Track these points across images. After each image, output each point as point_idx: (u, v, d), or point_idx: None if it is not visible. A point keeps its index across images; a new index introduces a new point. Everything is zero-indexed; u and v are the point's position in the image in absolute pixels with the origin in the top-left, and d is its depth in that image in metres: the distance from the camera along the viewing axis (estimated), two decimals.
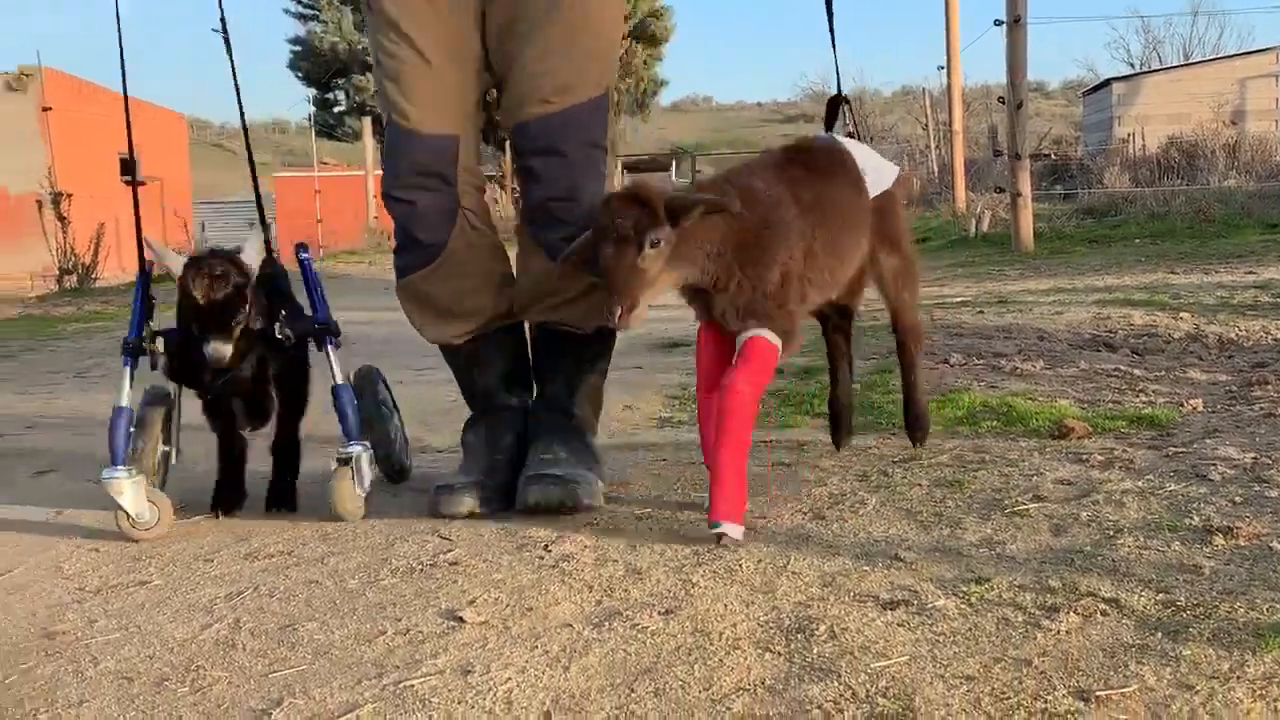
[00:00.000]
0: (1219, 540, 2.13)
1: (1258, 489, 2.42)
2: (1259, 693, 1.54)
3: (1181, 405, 3.29)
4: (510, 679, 1.73)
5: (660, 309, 2.46)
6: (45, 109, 16.35)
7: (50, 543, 2.62)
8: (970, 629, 1.82)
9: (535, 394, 2.79)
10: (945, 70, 16.29)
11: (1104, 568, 2.03)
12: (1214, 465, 2.60)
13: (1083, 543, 2.17)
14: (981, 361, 4.24)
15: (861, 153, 2.66)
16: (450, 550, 2.38)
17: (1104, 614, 1.83)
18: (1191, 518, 2.26)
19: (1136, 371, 3.90)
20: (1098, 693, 1.56)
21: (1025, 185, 9.14)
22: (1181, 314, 5.18)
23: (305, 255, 2.87)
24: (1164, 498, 2.40)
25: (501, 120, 2.69)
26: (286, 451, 2.76)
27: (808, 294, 2.44)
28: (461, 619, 1.99)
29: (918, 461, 2.81)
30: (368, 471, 2.61)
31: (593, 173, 2.60)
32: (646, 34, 30.58)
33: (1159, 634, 1.74)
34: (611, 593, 2.06)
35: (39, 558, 2.54)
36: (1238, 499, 2.36)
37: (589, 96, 2.59)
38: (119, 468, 2.52)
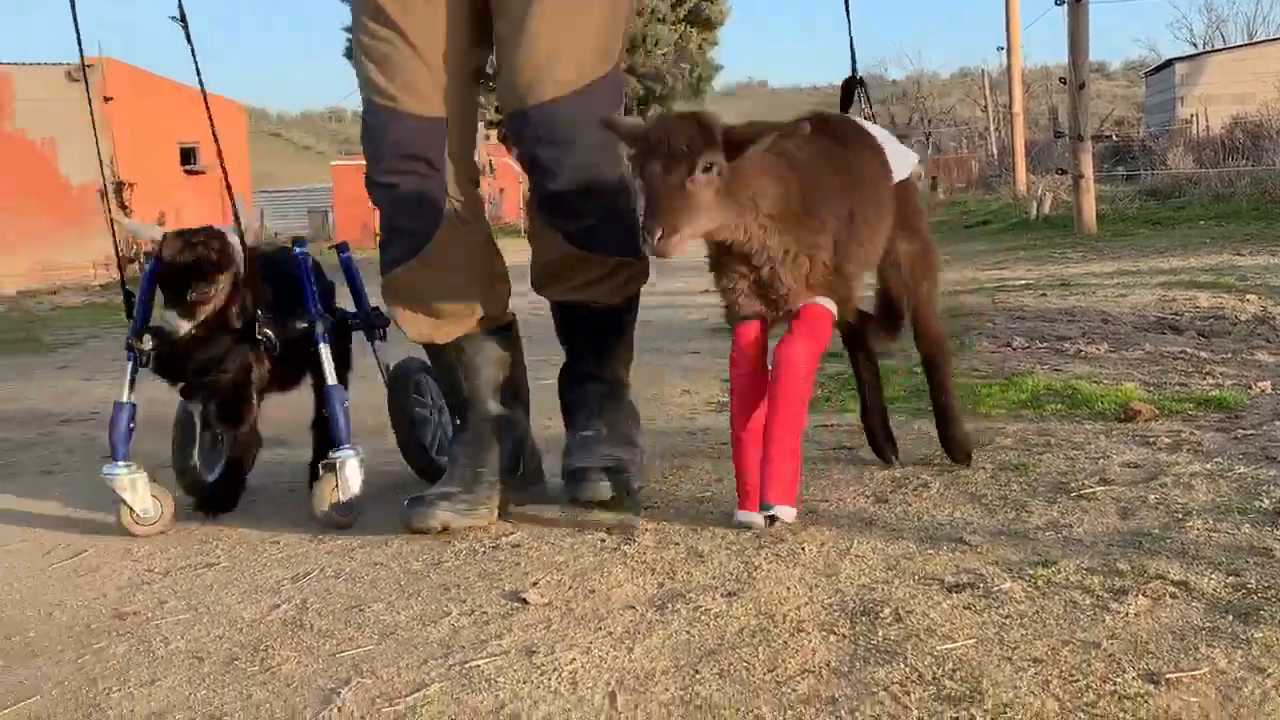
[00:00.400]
0: None
1: None
2: None
3: (1249, 388, 3.25)
4: (575, 659, 1.74)
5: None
6: (106, 99, 16.60)
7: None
8: (1037, 612, 1.81)
9: (565, 361, 2.64)
10: (1005, 51, 16.16)
11: (1172, 550, 2.01)
12: None
13: (1150, 526, 2.14)
14: (1044, 345, 4.20)
15: (881, 133, 2.53)
16: (512, 533, 2.40)
17: (1173, 597, 1.81)
18: (1261, 500, 2.23)
19: (1203, 354, 3.85)
20: (1167, 675, 1.55)
21: (1087, 167, 9.03)
22: (1248, 296, 5.10)
23: (346, 254, 2.90)
24: (1233, 480, 2.37)
25: (500, 106, 2.49)
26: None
27: (856, 259, 2.32)
28: (525, 600, 2.00)
29: (981, 446, 2.78)
30: (353, 478, 2.51)
31: (608, 158, 2.41)
32: (701, 18, 30.49)
33: (1229, 617, 1.71)
34: (674, 575, 2.07)
35: (108, 541, 2.58)
36: None
37: (596, 77, 2.38)
38: (119, 464, 2.52)
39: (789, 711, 1.55)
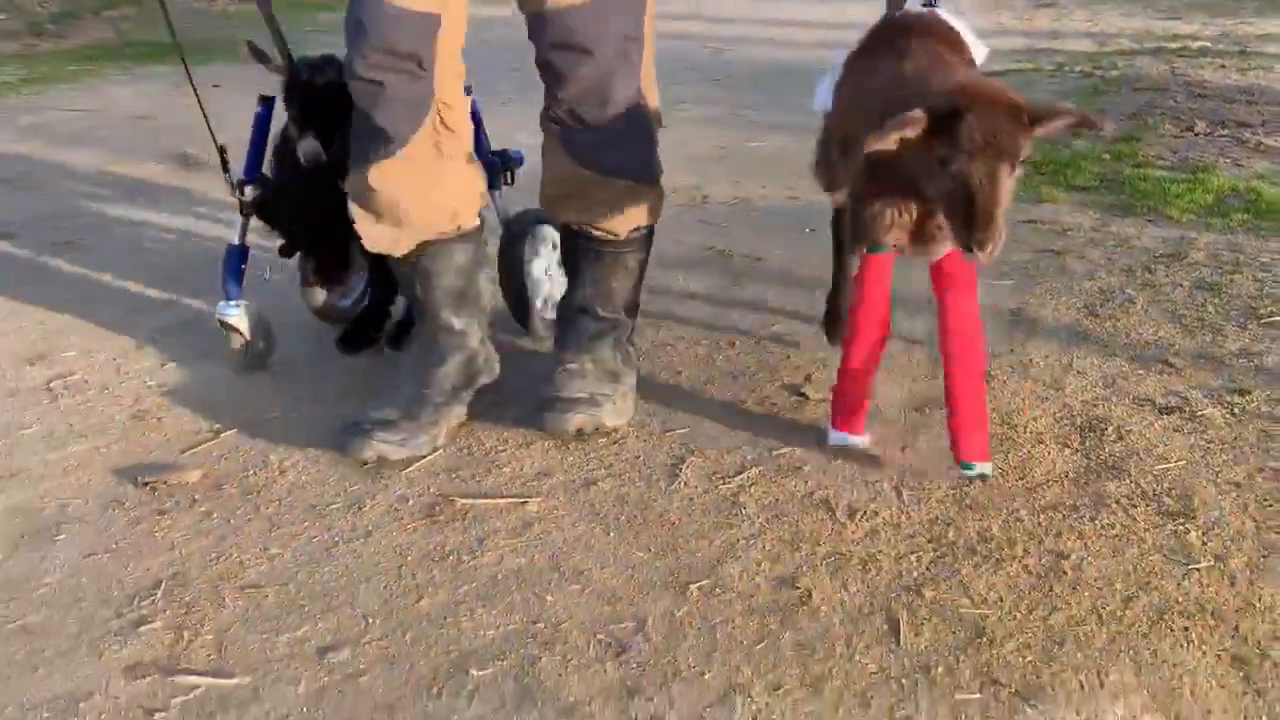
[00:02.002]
0: None
1: None
2: None
3: None
4: (861, 453, 2.23)
5: None
6: None
7: None
8: (1235, 438, 2.24)
9: (570, 291, 2.49)
10: None
11: None
12: None
13: None
14: (1225, 133, 4.45)
15: (963, 27, 2.27)
16: (774, 325, 2.85)
17: None
18: None
19: None
20: None
21: None
22: None
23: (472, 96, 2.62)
24: None
25: (520, 3, 2.29)
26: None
27: None
28: (804, 395, 2.48)
29: (1177, 259, 3.15)
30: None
31: (625, 70, 2.26)
32: None
33: None
34: (932, 377, 2.51)
35: None
36: None
37: None
38: (232, 303, 2.60)
39: (1041, 515, 2.03)
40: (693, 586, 1.87)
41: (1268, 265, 3.09)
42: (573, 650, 1.73)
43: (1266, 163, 4.03)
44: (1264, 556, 1.89)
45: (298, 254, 2.76)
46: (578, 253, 2.44)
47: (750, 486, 2.15)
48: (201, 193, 4.16)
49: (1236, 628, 1.74)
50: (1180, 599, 1.80)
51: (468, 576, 1.91)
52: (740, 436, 2.33)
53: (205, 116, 2.61)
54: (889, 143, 1.81)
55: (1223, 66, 5.71)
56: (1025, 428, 2.30)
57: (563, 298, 2.50)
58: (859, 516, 2.04)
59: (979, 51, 2.24)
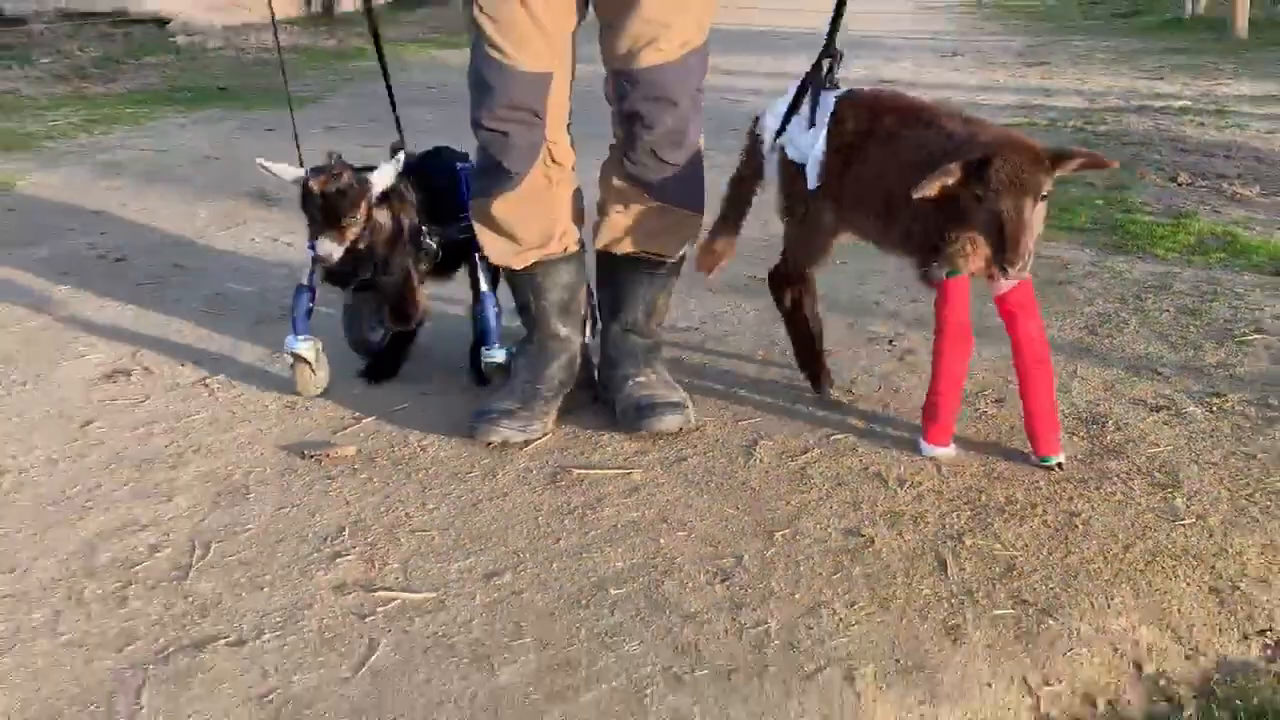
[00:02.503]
0: None
1: None
2: None
3: None
4: (908, 435, 2.70)
5: None
6: None
7: None
8: (1213, 430, 2.72)
9: (614, 317, 2.87)
10: None
11: None
12: None
13: None
14: (1205, 183, 4.96)
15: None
16: None
17: None
18: None
19: None
20: None
21: None
22: None
23: (465, 167, 3.04)
24: None
25: (607, 63, 2.69)
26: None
27: None
28: (853, 392, 2.95)
29: (1163, 289, 3.64)
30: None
31: (696, 116, 2.69)
32: None
33: None
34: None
35: None
36: None
37: (696, 46, 2.64)
38: (299, 338, 2.91)
39: (1056, 485, 2.50)
40: (777, 534, 2.33)
41: (1241, 295, 3.58)
42: (687, 577, 2.19)
43: (1242, 211, 4.54)
44: (1236, 516, 2.36)
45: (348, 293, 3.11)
46: (629, 278, 2.82)
47: (814, 463, 2.61)
48: (280, 223, 4.63)
49: (1213, 567, 2.20)
50: (1169, 546, 2.27)
51: (593, 525, 2.37)
52: (801, 425, 2.79)
53: (299, 153, 2.96)
54: (932, 190, 2.28)
55: (1202, 124, 6.23)
56: None
57: (609, 328, 2.88)
58: (907, 485, 2.51)
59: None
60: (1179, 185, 4.92)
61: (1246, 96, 7.12)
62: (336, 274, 2.93)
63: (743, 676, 1.92)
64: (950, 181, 2.27)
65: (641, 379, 2.79)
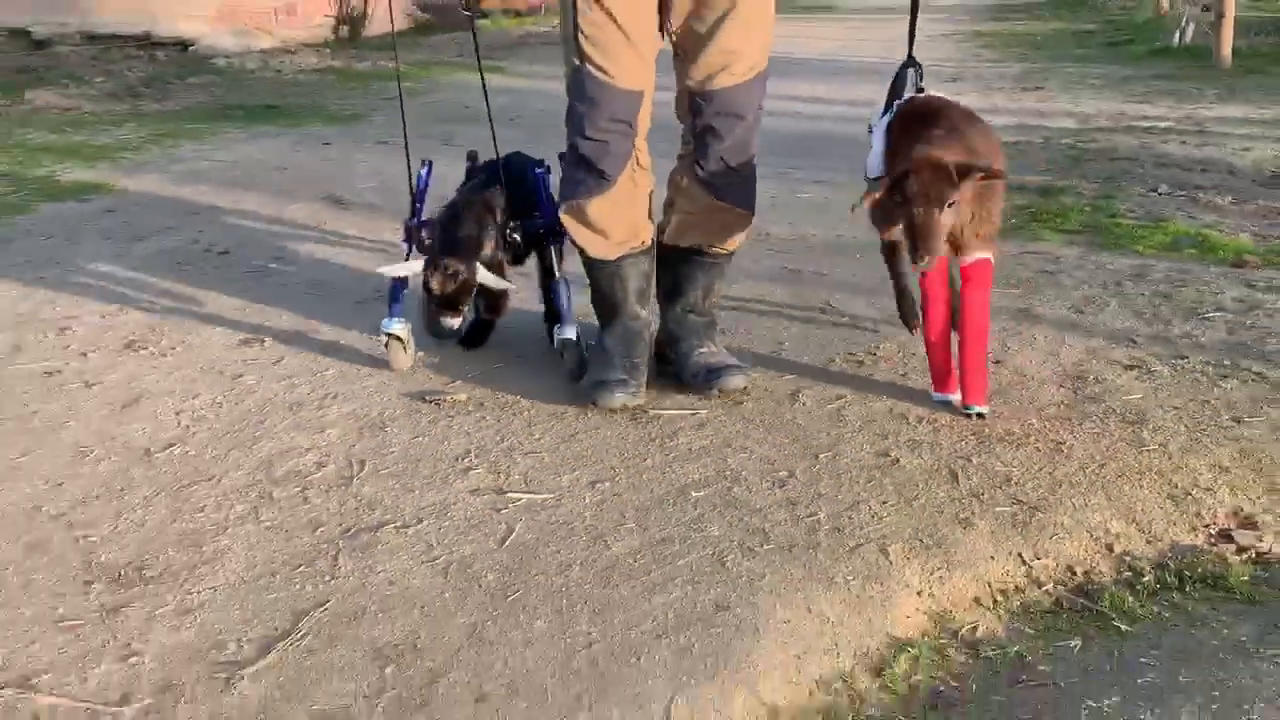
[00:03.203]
0: None
1: None
2: None
3: None
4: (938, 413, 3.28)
5: None
6: None
7: None
8: (1176, 383, 3.29)
9: (674, 300, 3.34)
10: None
11: (1256, 355, 3.47)
12: None
13: (1246, 339, 3.60)
14: (1183, 193, 5.54)
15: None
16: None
17: (1254, 380, 3.28)
18: None
19: None
20: (1245, 419, 3.05)
21: (1229, 7, 10.06)
22: None
23: (540, 170, 3.59)
24: None
25: (682, 84, 3.16)
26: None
27: (1000, 216, 3.05)
28: (876, 355, 3.53)
29: (1141, 278, 4.23)
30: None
31: (757, 128, 3.15)
32: None
33: None
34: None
35: None
36: None
37: (761, 69, 3.10)
38: (394, 319, 3.37)
39: (1046, 422, 3.07)
40: (821, 455, 2.91)
41: (1207, 282, 4.16)
42: (751, 484, 2.77)
43: (1214, 216, 5.12)
44: (1190, 444, 2.93)
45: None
46: (691, 267, 3.27)
47: (848, 406, 3.19)
48: (357, 223, 5.22)
49: (1170, 480, 2.78)
50: (1135, 465, 2.84)
51: (671, 449, 2.95)
52: (835, 378, 3.37)
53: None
54: (867, 203, 2.94)
55: (1184, 142, 6.82)
56: (1033, 377, 3.35)
57: (669, 309, 3.34)
58: (924, 422, 3.08)
59: None
60: (1159, 195, 5.50)
61: (1226, 118, 7.71)
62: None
63: (801, 550, 2.49)
64: (885, 194, 2.86)
65: (704, 350, 3.23)
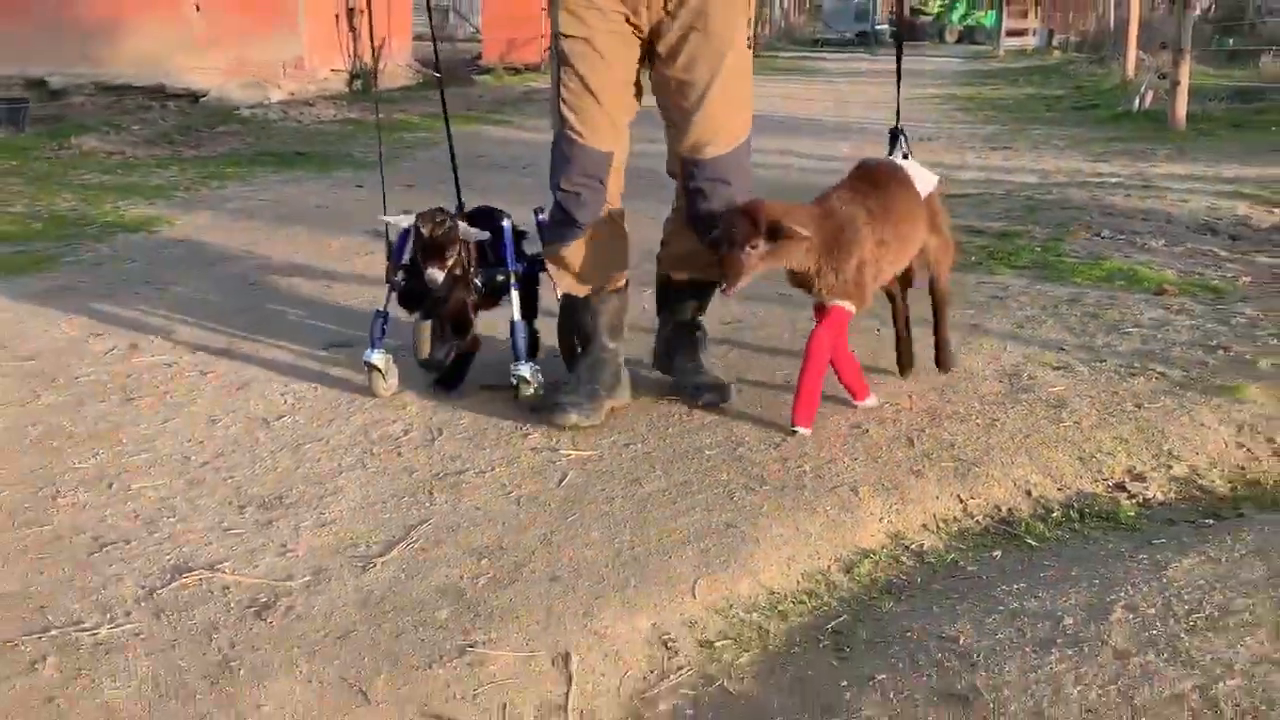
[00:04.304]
0: (1220, 352, 4.33)
1: (1254, 332, 4.60)
2: (1213, 408, 3.78)
3: (1237, 280, 5.42)
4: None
5: None
6: None
7: None
8: (1093, 379, 4.05)
9: (668, 317, 3.86)
10: None
11: (1161, 359, 4.22)
12: (1235, 317, 4.76)
13: (1154, 348, 4.36)
14: (1123, 238, 6.34)
15: (912, 167, 3.65)
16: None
17: (1158, 378, 4.03)
18: (1213, 341, 4.45)
19: (1223, 253, 5.99)
20: (1145, 405, 3.82)
21: (1184, 76, 10.96)
22: (1276, 209, 7.16)
23: (505, 223, 3.81)
24: (1201, 331, 4.57)
25: (677, 152, 3.52)
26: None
27: (882, 271, 3.47)
28: (879, 331, 4.31)
29: (1075, 303, 5.01)
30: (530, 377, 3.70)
31: (743, 190, 3.44)
32: None
33: (1189, 391, 3.92)
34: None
35: None
36: (1240, 335, 4.54)
37: (744, 139, 3.48)
38: (375, 350, 3.73)
39: (985, 405, 3.84)
40: (812, 425, 3.68)
41: (1130, 306, 4.92)
42: (751, 446, 3.51)
43: (1147, 256, 5.91)
44: (1100, 422, 3.69)
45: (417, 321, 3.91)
46: (683, 296, 3.79)
47: (828, 393, 3.96)
48: None
49: (1081, 447, 3.53)
50: (1054, 435, 3.60)
51: (687, 422, 3.69)
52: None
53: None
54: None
55: (1129, 195, 7.62)
56: (978, 374, 4.11)
57: (670, 328, 3.85)
58: (888, 408, 3.83)
59: (927, 182, 3.66)
60: (1102, 238, 6.31)
61: (1172, 175, 8.54)
62: (409, 298, 3.72)
63: (791, 490, 3.24)
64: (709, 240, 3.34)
65: (692, 366, 3.77)
